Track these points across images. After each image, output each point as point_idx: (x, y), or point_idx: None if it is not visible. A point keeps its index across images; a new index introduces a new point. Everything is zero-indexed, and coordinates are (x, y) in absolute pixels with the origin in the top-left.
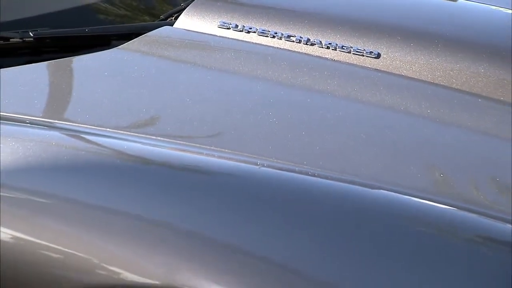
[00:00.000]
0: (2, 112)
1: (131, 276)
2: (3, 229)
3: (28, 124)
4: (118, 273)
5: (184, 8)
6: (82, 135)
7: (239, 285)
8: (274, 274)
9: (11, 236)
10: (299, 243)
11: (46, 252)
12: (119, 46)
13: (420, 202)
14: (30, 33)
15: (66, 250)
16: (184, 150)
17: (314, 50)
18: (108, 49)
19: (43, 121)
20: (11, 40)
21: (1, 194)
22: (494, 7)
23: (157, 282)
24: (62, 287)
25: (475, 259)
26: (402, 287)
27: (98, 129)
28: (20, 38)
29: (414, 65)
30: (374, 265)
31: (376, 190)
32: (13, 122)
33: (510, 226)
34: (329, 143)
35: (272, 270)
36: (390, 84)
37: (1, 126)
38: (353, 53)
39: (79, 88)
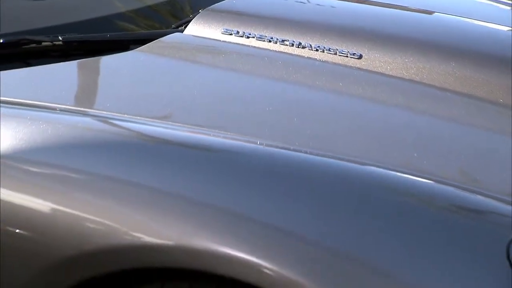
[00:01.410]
0: (36, 101)
1: (150, 239)
2: (41, 202)
3: (58, 111)
4: (140, 237)
5: (192, 18)
6: (109, 120)
7: (245, 246)
8: (275, 236)
9: (49, 208)
10: (297, 208)
11: (80, 221)
12: (137, 49)
13: (402, 176)
14: (59, 37)
15: (97, 219)
16: (194, 132)
17: (305, 52)
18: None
19: (73, 109)
20: (43, 43)
21: (39, 171)
22: (464, 19)
23: (171, 243)
24: (92, 250)
25: (447, 223)
26: (390, 244)
27: (121, 115)
28: (51, 42)
29: (391, 65)
30: (362, 224)
31: (363, 166)
32: (46, 110)
33: (481, 197)
34: (317, 128)
35: (272, 232)
36: (370, 80)
37: (37, 113)
38: (339, 55)
39: (104, 82)
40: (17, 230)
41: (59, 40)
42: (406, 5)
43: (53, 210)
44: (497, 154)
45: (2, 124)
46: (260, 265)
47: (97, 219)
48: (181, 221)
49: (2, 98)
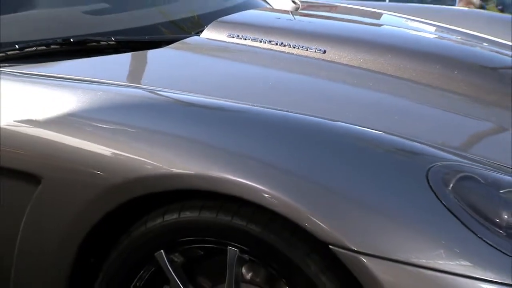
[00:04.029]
0: (95, 78)
1: (178, 170)
2: (106, 149)
3: (111, 85)
4: (170, 169)
5: (206, 27)
6: (149, 91)
7: (249, 176)
8: (271, 170)
9: (111, 153)
10: (285, 149)
11: (128, 160)
12: (167, 46)
13: (358, 128)
14: (112, 38)
15: (140, 158)
16: (209, 98)
17: (286, 49)
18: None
19: (122, 83)
20: (101, 42)
21: (103, 126)
22: (401, 29)
23: (192, 173)
24: (135, 177)
25: (388, 158)
26: (350, 173)
27: (155, 88)
28: (105, 41)
29: (346, 57)
30: (331, 160)
31: (332, 121)
32: (103, 83)
33: (414, 142)
34: (295, 97)
35: (269, 167)
36: (331, 68)
37: (96, 85)
38: (309, 50)
39: (144, 67)
40: (87, 169)
41: (112, 40)
42: (361, 20)
43: (120, 156)
44: (422, 115)
45: (72, 93)
46: (261, 190)
47: (141, 158)
48: (200, 158)
49: (70, 76)
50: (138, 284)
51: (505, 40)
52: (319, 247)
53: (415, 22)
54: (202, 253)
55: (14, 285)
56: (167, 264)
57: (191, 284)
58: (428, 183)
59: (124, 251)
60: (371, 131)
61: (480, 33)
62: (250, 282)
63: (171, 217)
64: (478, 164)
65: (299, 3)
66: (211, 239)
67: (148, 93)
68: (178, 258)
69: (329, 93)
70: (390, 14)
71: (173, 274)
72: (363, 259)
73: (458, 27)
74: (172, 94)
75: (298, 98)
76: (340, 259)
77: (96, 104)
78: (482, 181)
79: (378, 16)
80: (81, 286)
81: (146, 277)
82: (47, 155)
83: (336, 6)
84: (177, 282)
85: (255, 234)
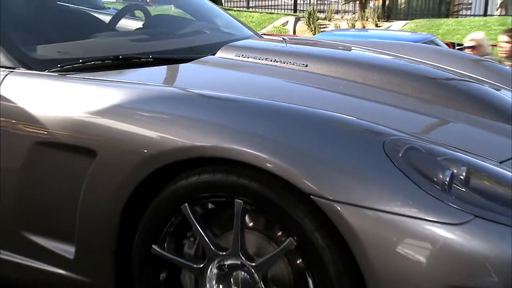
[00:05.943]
0: (138, 81)
1: (199, 144)
2: (146, 130)
3: (150, 85)
4: (193, 142)
5: (219, 49)
6: (179, 89)
7: (256, 148)
8: (272, 145)
9: (149, 133)
10: (281, 128)
11: (167, 140)
12: (191, 62)
13: (337, 114)
14: (150, 55)
15: (171, 137)
16: (223, 93)
17: (278, 64)
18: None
19: (158, 84)
20: (141, 59)
21: (143, 114)
22: (365, 52)
23: (209, 145)
24: (168, 149)
25: (360, 136)
26: (324, 145)
27: (183, 88)
28: (145, 58)
29: (323, 69)
30: (311, 137)
31: (312, 109)
32: (144, 84)
33: (376, 124)
34: (284, 95)
35: (271, 143)
36: (311, 77)
37: (139, 85)
38: (295, 65)
39: (174, 76)
40: (132, 145)
41: (150, 58)
42: (335, 47)
43: (159, 137)
44: (379, 108)
45: (121, 91)
46: (265, 159)
47: (172, 137)
48: (216, 134)
49: (120, 79)
50: (168, 230)
51: (448, 66)
52: (304, 198)
53: (376, 52)
54: (215, 206)
55: (78, 239)
56: (190, 214)
57: (208, 230)
58: (384, 151)
59: (159, 204)
60: (345, 117)
61: (428, 61)
62: (252, 228)
63: (193, 178)
64: (422, 140)
65: (287, 39)
66: (223, 194)
67: (177, 89)
68: (198, 209)
69: (309, 93)
70: (357, 46)
71: (195, 222)
72: (337, 206)
73: (410, 56)
74: (195, 90)
75: (286, 95)
76: (319, 206)
77: (139, 98)
78: (423, 151)
79: (348, 46)
80: (126, 236)
81: (176, 223)
82: (102, 135)
83: (316, 42)
84: (197, 228)
85: (255, 189)
